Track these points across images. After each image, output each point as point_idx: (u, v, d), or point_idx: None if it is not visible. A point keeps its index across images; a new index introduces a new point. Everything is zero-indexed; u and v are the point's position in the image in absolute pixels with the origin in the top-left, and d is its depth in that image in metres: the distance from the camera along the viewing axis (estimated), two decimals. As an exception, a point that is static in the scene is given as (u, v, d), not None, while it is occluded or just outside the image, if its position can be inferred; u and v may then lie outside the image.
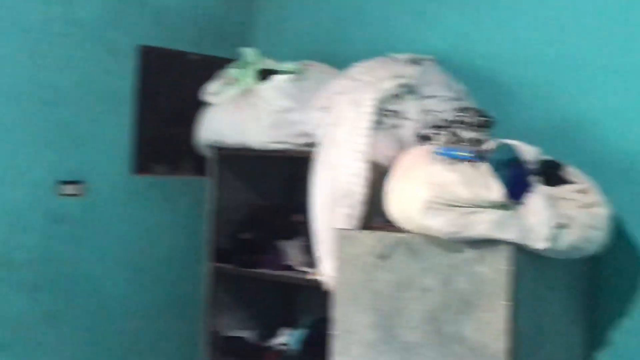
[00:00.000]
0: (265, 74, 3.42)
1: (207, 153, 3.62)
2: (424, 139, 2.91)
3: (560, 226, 2.61)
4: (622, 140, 2.94)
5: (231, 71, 3.54)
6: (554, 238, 2.59)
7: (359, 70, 3.13)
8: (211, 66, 3.66)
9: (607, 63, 2.98)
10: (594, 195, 2.76)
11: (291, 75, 3.36)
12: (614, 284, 2.94)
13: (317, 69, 3.44)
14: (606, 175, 2.88)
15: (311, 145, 3.15)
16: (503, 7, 3.22)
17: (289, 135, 3.32)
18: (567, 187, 2.76)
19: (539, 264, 2.66)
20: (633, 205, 2.90)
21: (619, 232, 2.85)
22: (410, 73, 3.05)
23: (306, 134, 3.23)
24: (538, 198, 2.64)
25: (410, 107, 3.00)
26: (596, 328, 2.96)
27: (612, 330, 2.94)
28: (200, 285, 3.66)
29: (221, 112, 3.50)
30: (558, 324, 2.80)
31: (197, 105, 3.60)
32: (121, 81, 3.53)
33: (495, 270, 2.59)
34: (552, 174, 2.78)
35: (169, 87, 3.68)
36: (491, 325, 2.59)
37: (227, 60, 3.65)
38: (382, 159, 2.92)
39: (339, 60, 3.43)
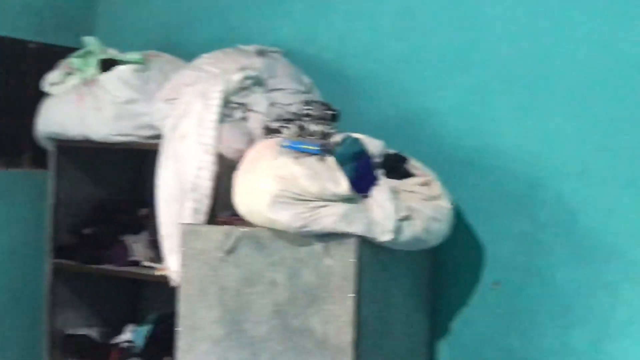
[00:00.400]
0: (108, 64, 3.31)
1: (47, 145, 3.48)
2: (271, 132, 2.90)
3: (404, 219, 2.67)
4: (463, 133, 3.04)
5: (72, 60, 3.40)
6: (398, 230, 2.64)
7: (205, 61, 3.09)
8: (52, 55, 3.51)
9: (448, 58, 3.07)
10: (437, 188, 2.84)
11: (135, 66, 3.26)
12: (454, 274, 3.04)
13: (162, 59, 3.36)
14: (447, 168, 2.97)
15: (157, 137, 3.08)
16: (350, 0, 3.26)
17: (134, 127, 3.23)
18: (411, 180, 2.83)
19: (383, 256, 2.70)
20: (472, 198, 3.00)
21: (459, 224, 2.94)
22: (257, 65, 3.03)
23: (151, 126, 3.15)
24: (383, 191, 2.68)
25: (258, 100, 2.99)
26: (438, 317, 3.05)
27: (453, 319, 3.04)
28: (42, 282, 3.53)
29: (62, 103, 3.36)
30: (402, 314, 2.86)
31: (37, 96, 3.45)
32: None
33: (342, 263, 2.61)
34: (396, 167, 2.84)
35: (7, 76, 3.50)
36: (338, 317, 2.61)
37: (68, 50, 3.51)
38: (229, 152, 2.90)
39: (185, 51, 3.38)
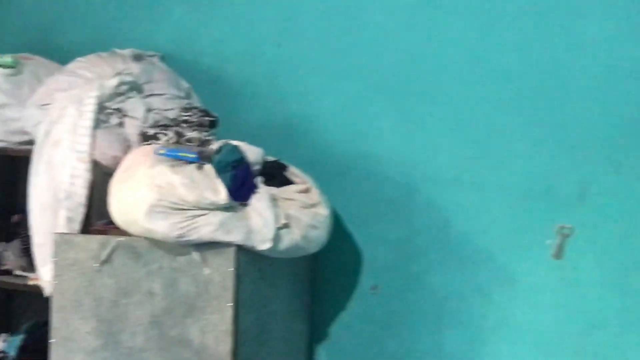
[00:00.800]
0: (-23, 67, 3.20)
1: None
2: (148, 138, 2.85)
3: (283, 227, 2.68)
4: (342, 140, 3.07)
5: (-62, 63, 3.27)
6: (277, 239, 2.65)
7: (79, 65, 3.02)
8: None
9: (328, 65, 3.09)
10: (315, 195, 2.85)
11: (6, 69, 3.16)
12: (333, 279, 3.07)
13: (35, 62, 3.26)
14: (326, 175, 3.00)
15: (29, 143, 2.99)
16: (229, 4, 3.24)
17: (5, 132, 3.13)
18: (290, 187, 2.83)
19: (262, 264, 2.71)
20: (351, 204, 3.03)
21: (337, 230, 2.97)
22: (134, 69, 2.98)
23: (24, 132, 3.06)
24: (262, 199, 2.68)
25: (134, 105, 2.93)
26: (317, 322, 3.07)
27: (332, 324, 3.07)
28: None
29: None
30: (281, 321, 2.87)
31: None
32: None
33: (220, 272, 2.60)
34: (276, 174, 2.84)
35: None
36: (216, 327, 2.60)
37: None
38: (104, 159, 2.84)
39: (60, 53, 3.29)
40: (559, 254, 2.81)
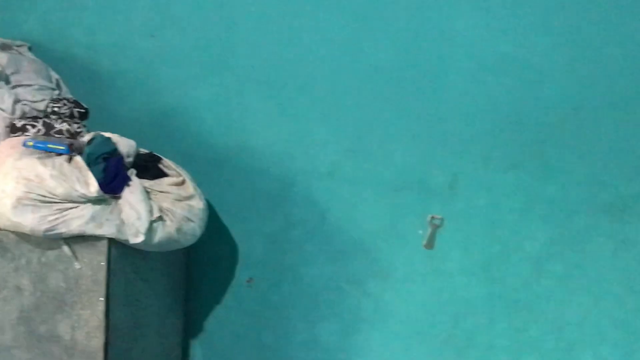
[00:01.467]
0: None
1: None
2: (16, 130, 2.75)
3: (157, 220, 2.64)
4: (217, 133, 3.05)
5: None
6: (150, 232, 2.61)
7: (-58, 54, 2.89)
8: None
9: (203, 57, 3.06)
10: (190, 188, 2.83)
11: None
12: (209, 273, 3.05)
13: None
14: (202, 167, 2.98)
15: None
16: (101, -6, 3.18)
17: None
18: (164, 180, 2.80)
19: (135, 257, 2.66)
20: (226, 197, 3.02)
21: (213, 223, 2.95)
22: (0, 60, 2.87)
23: None
24: (135, 192, 2.64)
25: (1, 96, 2.83)
26: (192, 317, 3.05)
27: (207, 318, 3.05)
28: None
29: None
30: (155, 316, 2.83)
31: None
32: None
33: (91, 267, 2.55)
34: (149, 166, 2.80)
35: None
36: (87, 322, 2.54)
37: None
38: (-31, 151, 2.73)
39: None
40: (430, 244, 2.88)
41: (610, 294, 2.81)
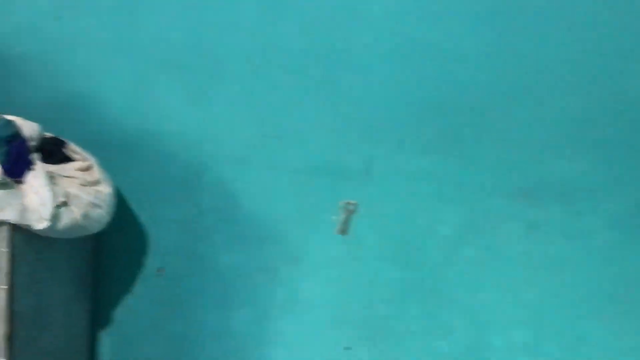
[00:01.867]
0: None
1: None
2: None
3: (61, 205, 2.55)
4: (126, 117, 2.96)
5: None
6: (54, 217, 2.52)
7: None
8: None
9: (110, 40, 2.97)
10: (97, 173, 2.74)
11: None
12: (117, 261, 2.97)
13: None
14: (110, 153, 2.89)
15: None
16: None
17: None
18: (69, 164, 2.71)
19: (39, 244, 2.56)
20: (136, 183, 2.94)
21: (121, 210, 2.88)
22: None
23: None
24: (39, 176, 2.54)
25: None
26: (100, 306, 2.96)
27: (115, 308, 2.97)
28: None
29: None
30: (61, 305, 2.73)
31: None
32: None
33: (-8, 254, 2.44)
34: (53, 151, 2.71)
35: None
36: (-12, 312, 2.44)
37: None
38: None
39: None
40: (344, 229, 2.86)
41: (519, 277, 2.85)
